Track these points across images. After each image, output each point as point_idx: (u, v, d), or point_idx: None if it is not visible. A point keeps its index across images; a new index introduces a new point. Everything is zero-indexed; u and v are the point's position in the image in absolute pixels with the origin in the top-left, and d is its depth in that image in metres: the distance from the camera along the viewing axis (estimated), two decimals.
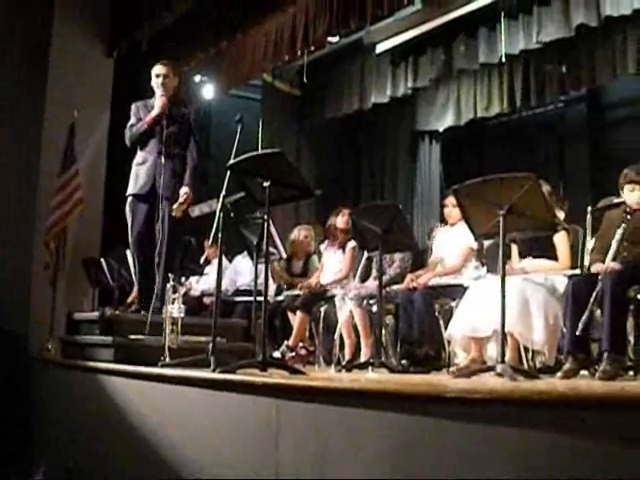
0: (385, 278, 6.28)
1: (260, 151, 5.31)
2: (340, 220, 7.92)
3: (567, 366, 4.76)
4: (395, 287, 6.79)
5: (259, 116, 11.43)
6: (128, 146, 6.72)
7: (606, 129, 10.05)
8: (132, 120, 6.70)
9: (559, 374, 4.75)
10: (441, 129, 11.28)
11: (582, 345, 4.76)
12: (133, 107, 6.78)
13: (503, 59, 9.10)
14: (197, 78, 10.89)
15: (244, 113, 5.38)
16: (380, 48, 10.37)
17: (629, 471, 2.48)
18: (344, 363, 6.77)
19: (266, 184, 4.78)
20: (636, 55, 8.32)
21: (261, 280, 5.15)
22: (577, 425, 2.62)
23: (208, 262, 8.64)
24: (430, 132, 11.57)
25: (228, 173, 5.02)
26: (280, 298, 8.09)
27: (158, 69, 6.69)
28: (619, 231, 4.94)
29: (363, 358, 6.69)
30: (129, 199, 6.60)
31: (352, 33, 9.67)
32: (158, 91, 6.64)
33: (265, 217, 4.88)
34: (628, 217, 5.05)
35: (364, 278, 7.24)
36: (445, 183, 11.24)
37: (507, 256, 5.14)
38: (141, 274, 6.57)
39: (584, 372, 4.83)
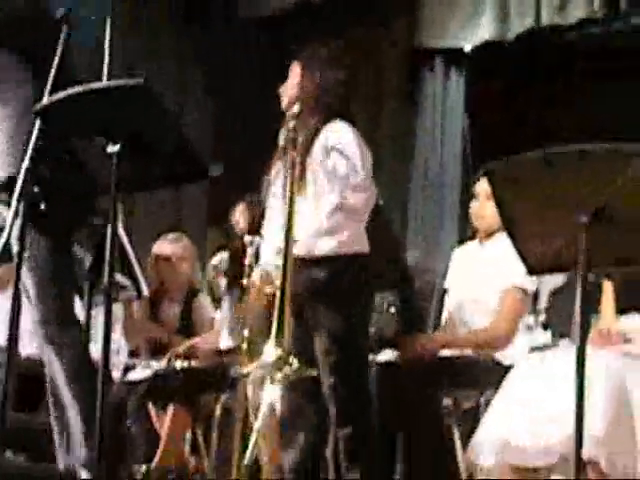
0: None
1: (104, 82, 2.76)
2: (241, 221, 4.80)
3: None
4: None
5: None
6: None
7: None
8: None
9: None
10: (467, 48, 6.52)
11: None
12: None
13: None
14: None
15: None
16: None
17: None
18: None
19: (113, 149, 2.37)
20: None
21: None
22: None
23: None
24: (447, 51, 6.68)
25: (37, 124, 2.59)
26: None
27: None
28: None
29: None
30: None
31: None
32: None
33: (113, 216, 2.40)
34: None
35: None
36: (472, 150, 6.57)
37: (594, 309, 2.90)
38: None
39: None
